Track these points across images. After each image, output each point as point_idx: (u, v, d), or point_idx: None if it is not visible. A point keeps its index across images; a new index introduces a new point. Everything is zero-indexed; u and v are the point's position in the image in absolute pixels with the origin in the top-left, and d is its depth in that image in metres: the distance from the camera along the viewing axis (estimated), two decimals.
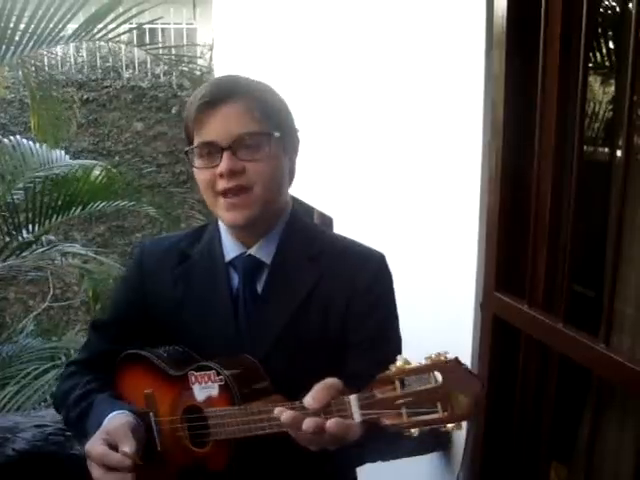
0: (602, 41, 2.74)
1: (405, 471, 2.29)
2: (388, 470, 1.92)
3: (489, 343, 1.97)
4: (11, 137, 4.26)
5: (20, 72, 6.94)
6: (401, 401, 0.90)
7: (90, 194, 3.83)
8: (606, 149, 2.69)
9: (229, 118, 1.17)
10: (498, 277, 1.93)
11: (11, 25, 3.06)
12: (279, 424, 1.00)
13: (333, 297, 1.24)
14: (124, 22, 3.91)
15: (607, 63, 2.89)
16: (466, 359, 2.06)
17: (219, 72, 6.66)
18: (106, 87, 8.11)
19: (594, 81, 2.74)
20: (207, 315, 1.27)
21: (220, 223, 1.31)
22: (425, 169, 2.34)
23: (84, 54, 8.13)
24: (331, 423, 0.94)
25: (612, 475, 1.81)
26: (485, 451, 2.11)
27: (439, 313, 2.25)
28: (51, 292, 6.82)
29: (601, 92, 2.93)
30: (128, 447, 1.09)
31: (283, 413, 0.99)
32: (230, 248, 1.29)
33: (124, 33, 4.16)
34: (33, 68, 3.89)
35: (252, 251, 1.27)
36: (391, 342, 1.27)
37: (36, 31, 3.11)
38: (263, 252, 1.27)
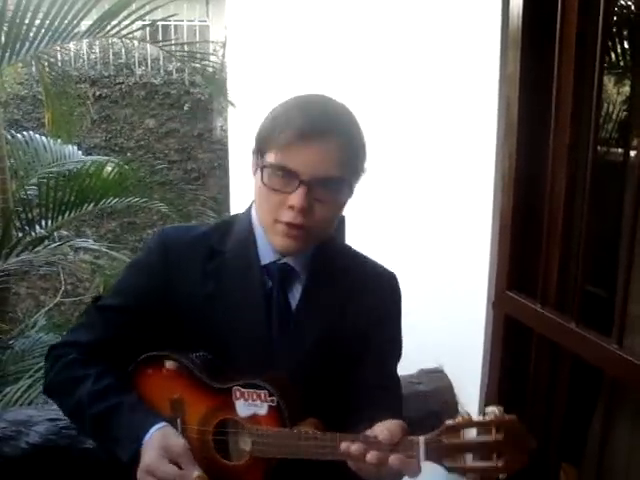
0: (617, 41, 2.73)
1: None
2: None
3: (501, 342, 1.98)
4: (24, 132, 4.29)
5: (34, 68, 6.99)
6: (463, 449, 1.01)
7: (102, 190, 3.85)
8: (620, 149, 2.68)
9: (318, 156, 1.14)
10: (510, 277, 1.93)
11: (26, 21, 3.07)
12: (334, 452, 1.07)
13: (360, 312, 1.27)
14: (138, 19, 3.92)
15: (621, 63, 2.88)
16: (478, 358, 2.07)
17: (232, 69, 6.66)
18: (119, 84, 8.15)
19: (607, 81, 2.72)
20: (238, 316, 1.25)
21: (255, 224, 1.30)
22: (439, 169, 2.34)
23: (97, 51, 8.16)
24: (396, 459, 1.02)
25: (624, 476, 1.81)
26: None
27: (451, 313, 2.25)
28: (62, 287, 6.85)
29: (615, 92, 2.92)
30: (198, 471, 1.11)
31: (351, 446, 1.04)
32: (266, 252, 1.28)
33: (137, 30, 4.17)
34: (46, 64, 3.90)
35: (288, 260, 1.27)
36: (396, 356, 1.34)
37: (51, 27, 3.12)
38: (298, 262, 1.28)
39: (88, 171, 3.81)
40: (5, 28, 3.00)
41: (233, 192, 7.02)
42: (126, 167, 4.13)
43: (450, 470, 1.02)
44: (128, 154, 8.00)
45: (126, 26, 3.79)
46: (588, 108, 1.68)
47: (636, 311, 1.68)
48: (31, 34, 3.11)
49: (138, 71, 8.22)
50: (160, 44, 4.45)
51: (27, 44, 3.09)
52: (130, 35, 3.90)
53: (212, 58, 6.64)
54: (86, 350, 1.28)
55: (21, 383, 2.73)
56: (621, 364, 1.52)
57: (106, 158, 4.36)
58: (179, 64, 8.08)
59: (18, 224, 3.69)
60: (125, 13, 3.76)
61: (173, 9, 4.95)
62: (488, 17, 1.97)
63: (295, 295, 1.28)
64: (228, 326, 1.24)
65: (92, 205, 3.74)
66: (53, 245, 3.13)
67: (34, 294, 7.86)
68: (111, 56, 8.17)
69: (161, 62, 8.30)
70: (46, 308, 5.84)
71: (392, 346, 1.33)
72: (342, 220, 1.45)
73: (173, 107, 8.31)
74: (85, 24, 3.70)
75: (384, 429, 1.05)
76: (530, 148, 1.86)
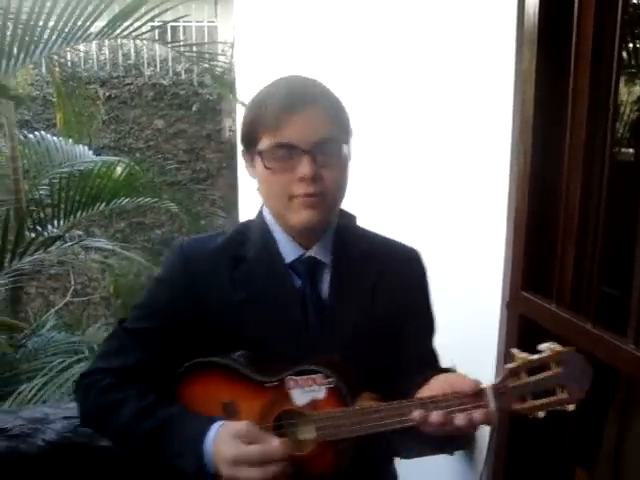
0: (628, 39, 2.73)
1: (428, 469, 2.29)
2: (410, 468, 1.93)
3: (515, 343, 1.97)
4: (36, 133, 4.31)
5: (44, 69, 7.02)
6: (528, 389, 1.06)
7: (114, 190, 3.87)
8: (631, 149, 2.68)
9: (311, 121, 1.17)
10: (525, 276, 1.92)
11: (40, 23, 3.10)
12: (403, 420, 1.09)
13: (390, 291, 1.30)
14: (149, 20, 3.94)
15: (632, 62, 2.87)
16: (492, 358, 2.07)
17: (240, 70, 6.68)
18: (128, 84, 8.18)
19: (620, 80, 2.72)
20: (275, 318, 1.25)
21: (271, 225, 1.31)
22: (453, 167, 2.34)
23: (106, 52, 8.20)
24: (479, 413, 1.06)
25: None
26: (509, 452, 2.11)
27: (465, 313, 2.25)
28: (72, 287, 6.89)
29: (626, 92, 2.92)
30: (275, 440, 1.11)
31: (423, 412, 1.07)
32: (289, 250, 1.29)
33: (147, 32, 4.20)
34: (58, 65, 3.93)
35: (311, 252, 1.29)
36: (430, 331, 1.38)
37: (64, 29, 3.14)
38: (321, 252, 1.29)
39: (99, 171, 3.83)
40: (20, 30, 3.02)
41: (242, 192, 7.04)
42: (137, 167, 4.15)
43: (519, 412, 1.07)
44: (137, 154, 8.03)
45: (137, 28, 3.82)
46: (604, 106, 1.68)
47: None
48: (45, 36, 3.13)
49: (147, 72, 8.25)
50: (170, 45, 4.45)
51: (41, 46, 3.11)
52: (142, 36, 3.93)
53: (221, 58, 6.66)
54: (122, 375, 1.26)
55: (35, 381, 2.76)
56: (638, 364, 1.52)
57: (117, 158, 4.40)
58: (188, 65, 8.12)
59: (30, 224, 3.71)
60: (136, 15, 3.78)
61: (182, 10, 4.98)
62: (503, 13, 1.97)
63: (324, 286, 1.29)
64: (265, 329, 1.24)
65: (103, 205, 3.77)
66: (66, 245, 3.15)
67: (44, 294, 7.90)
68: (120, 57, 8.21)
69: (170, 63, 8.33)
70: (56, 307, 5.87)
71: (426, 322, 1.37)
72: (354, 218, 1.45)
73: (182, 108, 8.34)
74: (97, 26, 3.73)
75: (439, 384, 1.10)
76: (545, 146, 1.86)
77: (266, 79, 1.34)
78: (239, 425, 1.14)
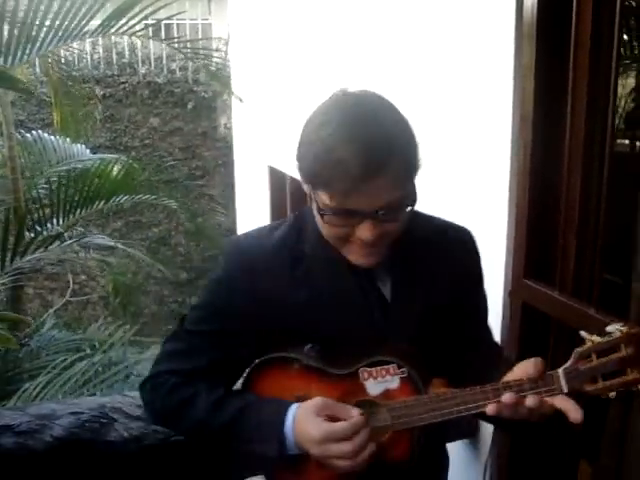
0: (624, 31, 2.74)
1: None
2: None
3: (518, 330, 1.99)
4: (33, 132, 4.31)
5: (38, 69, 7.00)
6: (598, 370, 1.07)
7: (112, 188, 3.87)
8: (626, 141, 2.69)
9: (379, 190, 1.07)
10: (527, 265, 1.94)
11: (37, 22, 3.10)
12: (478, 406, 1.12)
13: (449, 275, 1.28)
14: (144, 18, 3.94)
15: (627, 53, 2.89)
16: None
17: (235, 66, 6.68)
18: (122, 83, 8.19)
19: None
20: (340, 315, 1.24)
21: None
22: (454, 158, 2.35)
23: (100, 51, 8.19)
24: (559, 399, 1.09)
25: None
26: (513, 439, 2.13)
27: None
28: (70, 287, 6.89)
29: (620, 84, 2.94)
30: (354, 409, 1.14)
31: (506, 394, 1.09)
32: None
33: (141, 30, 4.19)
34: (55, 63, 3.93)
35: None
36: (487, 309, 1.40)
37: (61, 27, 3.14)
38: None
39: (98, 169, 3.83)
40: (17, 29, 3.02)
41: (238, 189, 7.05)
42: (135, 165, 4.16)
43: (592, 393, 1.09)
44: (133, 153, 8.03)
45: (132, 26, 3.81)
46: (604, 98, 1.70)
47: None
48: (41, 35, 3.13)
49: (142, 70, 8.25)
50: (166, 42, 4.45)
51: (37, 44, 3.11)
52: (138, 33, 3.92)
53: (216, 55, 6.66)
54: (188, 375, 1.26)
55: (39, 379, 2.76)
56: None
57: (115, 156, 4.39)
58: (182, 63, 8.12)
59: (29, 223, 3.71)
60: (131, 13, 3.78)
61: (176, 7, 4.98)
62: (502, 8, 1.98)
63: (385, 279, 1.26)
64: (330, 328, 1.23)
65: (102, 203, 3.77)
66: (67, 242, 3.15)
67: (41, 294, 7.90)
68: (114, 55, 8.20)
69: (164, 61, 8.33)
70: (56, 307, 5.87)
71: (485, 301, 1.38)
72: None
73: (177, 105, 8.35)
74: (91, 24, 3.73)
75: (521, 371, 1.11)
76: (545, 137, 1.87)
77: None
78: (315, 400, 1.15)
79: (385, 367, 1.19)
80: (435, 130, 2.50)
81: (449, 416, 1.15)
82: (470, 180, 2.26)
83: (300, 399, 1.19)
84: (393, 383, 1.19)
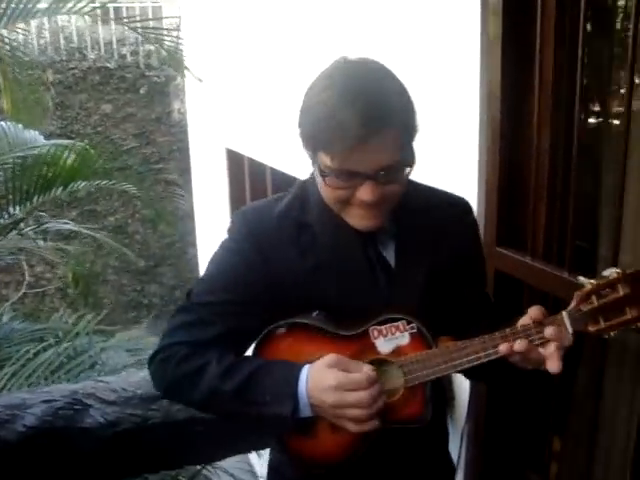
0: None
1: None
2: None
3: (492, 297, 2.01)
4: None
5: None
6: (600, 311, 1.12)
7: (69, 175, 3.77)
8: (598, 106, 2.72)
9: (379, 151, 1.11)
10: (499, 233, 1.96)
11: None
12: (488, 354, 1.16)
13: (451, 242, 1.32)
14: (91, 1, 3.82)
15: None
16: None
17: (188, 49, 6.56)
18: (72, 69, 7.97)
19: None
20: (346, 282, 1.26)
21: None
22: (423, 130, 2.34)
23: (47, 35, 7.95)
24: (551, 330, 1.12)
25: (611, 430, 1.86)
26: (488, 407, 2.16)
27: None
28: (26, 279, 6.72)
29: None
30: (367, 366, 1.15)
31: (517, 341, 1.13)
32: None
33: (89, 13, 4.06)
34: (6, 45, 3.78)
35: None
36: (485, 272, 1.46)
37: (10, 4, 3.02)
38: None
39: (54, 156, 3.72)
40: None
41: (195, 174, 6.96)
42: (91, 151, 4.05)
43: (595, 333, 1.13)
44: (85, 140, 7.82)
45: (80, 8, 3.69)
46: (572, 67, 1.71)
47: (625, 260, 1.73)
48: None
49: (91, 55, 8.04)
50: (118, 22, 4.33)
51: None
52: (87, 15, 3.80)
53: (168, 37, 6.52)
54: (197, 345, 1.26)
55: (5, 370, 2.69)
56: None
57: (71, 142, 4.27)
58: (133, 47, 7.95)
59: None
60: None
61: None
62: None
63: (388, 245, 1.29)
64: (337, 295, 1.25)
65: (60, 190, 3.66)
66: (26, 229, 3.06)
67: None
68: (62, 40, 7.97)
69: (114, 45, 8.14)
70: (12, 300, 5.73)
71: (482, 268, 1.43)
72: None
73: (129, 91, 8.18)
74: (38, 8, 3.59)
75: (527, 317, 1.16)
76: (515, 107, 1.89)
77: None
78: (328, 357, 1.16)
79: (394, 324, 1.21)
80: None
81: (460, 367, 1.18)
82: (439, 152, 2.26)
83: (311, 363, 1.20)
84: (403, 339, 1.21)
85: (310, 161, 1.23)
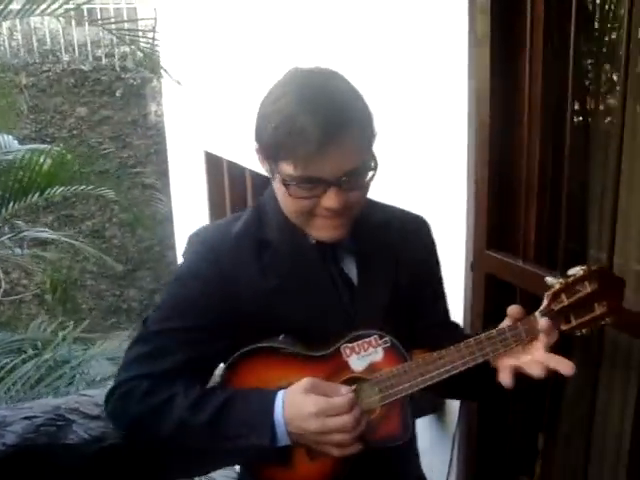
0: None
1: None
2: None
3: (483, 301, 1.99)
4: None
5: None
6: (570, 309, 1.12)
7: (45, 180, 3.69)
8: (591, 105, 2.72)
9: (340, 156, 1.09)
10: (490, 236, 1.94)
11: None
12: (464, 362, 1.14)
13: (410, 260, 1.29)
14: (65, 2, 3.74)
15: None
16: (458, 319, 2.07)
17: (164, 51, 6.49)
18: (45, 71, 7.82)
19: None
20: (310, 300, 1.22)
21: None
22: (411, 132, 2.31)
23: (19, 37, 7.80)
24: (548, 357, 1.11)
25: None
26: (480, 411, 2.14)
27: None
28: (2, 286, 6.59)
29: None
30: (344, 388, 1.12)
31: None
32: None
33: (62, 14, 3.98)
34: None
35: None
36: (444, 292, 1.42)
37: None
38: None
39: (30, 161, 3.64)
40: None
41: (173, 177, 6.88)
42: (68, 156, 3.97)
43: (568, 332, 1.13)
44: (61, 144, 7.71)
45: (54, 10, 3.60)
46: (562, 65, 1.69)
47: (617, 262, 1.71)
48: None
49: (65, 57, 7.91)
50: (92, 24, 4.25)
51: None
52: (61, 16, 3.72)
53: (143, 38, 6.44)
54: (159, 378, 1.18)
55: None
56: None
57: (47, 146, 4.18)
58: (108, 49, 7.84)
59: None
60: None
61: None
62: None
63: (348, 261, 1.26)
64: (301, 314, 1.20)
65: (36, 196, 3.58)
66: (3, 238, 2.98)
67: None
68: (35, 42, 7.83)
69: (89, 47, 8.01)
70: None
71: (441, 286, 1.40)
72: None
73: (105, 94, 8.06)
74: (9, 9, 3.50)
75: (507, 320, 1.15)
76: (504, 108, 1.87)
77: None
78: (303, 381, 1.11)
79: (366, 340, 1.17)
80: (391, 106, 2.45)
81: (439, 378, 1.14)
82: (428, 155, 2.23)
83: (283, 389, 1.14)
84: (377, 355, 1.17)
85: (270, 176, 1.19)
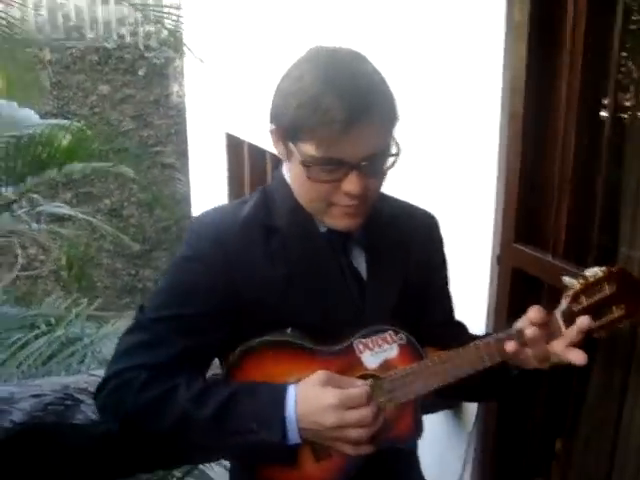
0: None
1: None
2: None
3: (508, 296, 1.93)
4: None
5: None
6: (589, 311, 1.09)
7: (64, 156, 3.66)
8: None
9: (366, 136, 1.06)
10: (518, 229, 1.88)
11: None
12: (483, 361, 1.10)
13: (420, 255, 1.27)
14: None
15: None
16: (482, 314, 2.01)
17: (188, 31, 6.44)
18: (69, 48, 7.79)
19: None
20: (319, 290, 1.17)
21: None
22: (443, 122, 2.24)
23: (45, 13, 7.77)
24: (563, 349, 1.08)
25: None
26: (499, 407, 2.08)
27: (454, 268, 2.18)
28: (19, 261, 6.61)
29: None
30: (359, 381, 1.08)
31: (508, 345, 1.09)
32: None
33: None
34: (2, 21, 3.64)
35: None
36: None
37: None
38: None
39: (50, 136, 3.60)
40: None
41: (192, 158, 6.85)
42: (88, 132, 3.94)
43: (588, 332, 1.10)
44: (82, 121, 7.69)
45: None
46: (602, 57, 1.62)
47: None
48: None
49: (90, 35, 7.87)
50: (118, 2, 4.20)
51: None
52: None
53: (168, 18, 6.39)
54: (157, 369, 1.11)
55: None
56: None
57: (67, 122, 4.14)
58: (133, 28, 7.79)
59: None
60: None
61: None
62: None
63: (357, 252, 1.22)
64: (310, 304, 1.16)
65: (55, 171, 3.55)
66: (20, 211, 2.95)
67: None
68: (60, 19, 7.80)
69: (113, 25, 7.97)
70: (2, 283, 5.63)
71: (447, 283, 1.38)
72: None
73: (127, 72, 8.01)
74: None
75: (525, 319, 1.12)
76: (539, 98, 1.79)
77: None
78: (317, 374, 1.06)
79: (381, 336, 1.12)
80: (422, 94, 2.38)
81: (454, 377, 1.09)
82: (458, 145, 2.16)
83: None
84: (392, 351, 1.12)
85: (284, 158, 1.16)
